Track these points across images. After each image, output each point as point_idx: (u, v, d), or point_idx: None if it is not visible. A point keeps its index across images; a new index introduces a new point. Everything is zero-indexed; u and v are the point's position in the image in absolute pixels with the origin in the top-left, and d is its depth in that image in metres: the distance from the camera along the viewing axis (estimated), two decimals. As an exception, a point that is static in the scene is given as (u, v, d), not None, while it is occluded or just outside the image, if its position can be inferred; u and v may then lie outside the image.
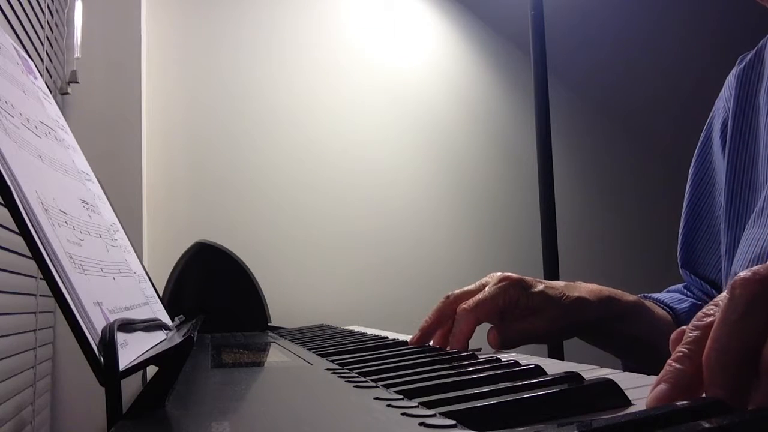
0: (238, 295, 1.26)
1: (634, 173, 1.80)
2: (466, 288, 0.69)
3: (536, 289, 0.68)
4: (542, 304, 0.67)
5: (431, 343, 0.68)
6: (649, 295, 0.81)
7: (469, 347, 0.64)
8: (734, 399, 0.27)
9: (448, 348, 0.65)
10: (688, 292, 0.82)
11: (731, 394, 0.28)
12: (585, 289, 0.71)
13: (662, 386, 0.31)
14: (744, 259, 0.67)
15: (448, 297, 0.69)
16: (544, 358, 0.53)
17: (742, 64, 0.76)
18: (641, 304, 0.75)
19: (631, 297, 0.74)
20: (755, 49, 0.75)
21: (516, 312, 0.68)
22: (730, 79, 0.77)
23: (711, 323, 0.30)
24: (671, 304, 0.78)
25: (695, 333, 0.31)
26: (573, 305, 0.68)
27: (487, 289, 0.67)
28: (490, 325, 0.68)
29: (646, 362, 0.76)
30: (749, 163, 0.71)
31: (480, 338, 0.68)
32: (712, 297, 0.75)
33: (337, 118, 1.59)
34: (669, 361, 0.32)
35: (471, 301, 0.66)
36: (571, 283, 0.72)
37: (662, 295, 0.81)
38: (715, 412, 0.27)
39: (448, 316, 0.67)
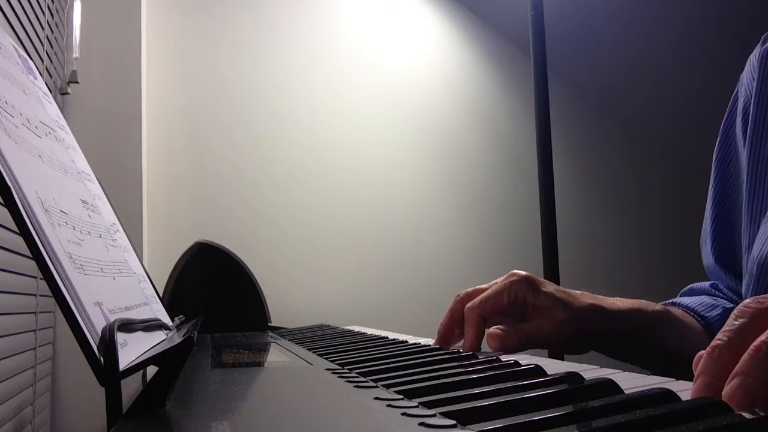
0: (238, 295, 1.26)
1: (634, 173, 1.80)
2: (477, 287, 0.67)
3: (545, 289, 0.64)
4: (549, 304, 0.63)
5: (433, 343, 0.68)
6: (676, 301, 0.75)
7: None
8: (760, 391, 0.28)
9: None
10: (717, 293, 0.76)
11: (760, 385, 0.28)
12: (605, 299, 0.66)
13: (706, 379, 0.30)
14: (757, 257, 0.62)
15: (458, 296, 0.67)
16: (544, 358, 0.53)
17: (767, 44, 0.69)
18: (667, 313, 0.70)
19: (656, 306, 0.70)
20: None
21: (523, 312, 0.64)
22: (753, 60, 0.70)
23: (757, 312, 0.30)
24: (702, 312, 0.72)
25: (741, 321, 0.31)
26: (584, 311, 0.64)
27: (492, 285, 0.65)
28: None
29: (675, 372, 0.73)
30: None
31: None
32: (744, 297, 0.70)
33: (337, 118, 1.59)
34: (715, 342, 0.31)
35: (476, 300, 0.64)
36: (591, 294, 0.67)
37: (691, 301, 0.74)
38: (715, 413, 0.27)
39: (461, 315, 0.65)
